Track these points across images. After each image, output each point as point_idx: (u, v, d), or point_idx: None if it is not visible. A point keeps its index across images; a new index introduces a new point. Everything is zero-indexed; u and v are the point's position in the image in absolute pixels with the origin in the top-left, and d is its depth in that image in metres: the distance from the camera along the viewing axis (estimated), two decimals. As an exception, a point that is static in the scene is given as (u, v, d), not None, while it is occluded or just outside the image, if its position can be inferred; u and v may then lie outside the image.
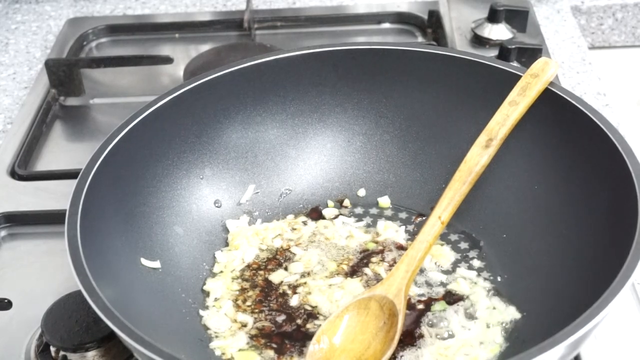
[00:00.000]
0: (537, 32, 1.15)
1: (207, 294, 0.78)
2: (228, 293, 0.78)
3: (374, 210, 0.87)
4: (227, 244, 0.83)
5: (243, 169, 0.87)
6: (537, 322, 0.71)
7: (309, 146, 0.89)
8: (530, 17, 1.15)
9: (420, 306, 0.75)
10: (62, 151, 1.06)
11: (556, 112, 0.77)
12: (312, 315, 0.75)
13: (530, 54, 1.05)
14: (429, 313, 0.74)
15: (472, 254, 0.81)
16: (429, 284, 0.77)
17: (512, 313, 0.73)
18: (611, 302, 0.58)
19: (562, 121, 0.77)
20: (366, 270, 0.79)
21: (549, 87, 0.78)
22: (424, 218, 0.84)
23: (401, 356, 0.70)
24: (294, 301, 0.77)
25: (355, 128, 0.89)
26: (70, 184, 0.70)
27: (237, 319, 0.75)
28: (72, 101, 1.14)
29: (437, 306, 0.75)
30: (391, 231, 0.84)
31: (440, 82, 0.85)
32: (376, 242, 0.82)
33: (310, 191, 0.88)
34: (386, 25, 1.28)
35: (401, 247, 0.81)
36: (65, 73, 1.12)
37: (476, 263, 0.80)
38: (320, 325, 0.73)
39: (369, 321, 0.71)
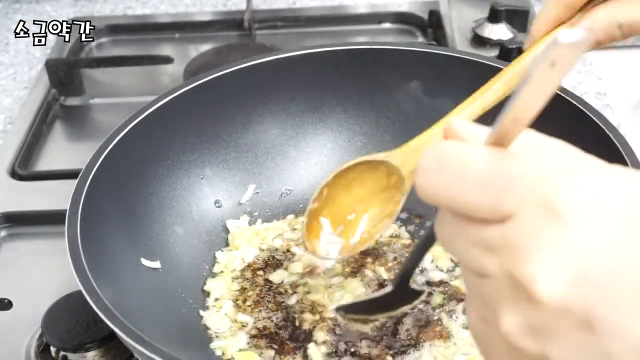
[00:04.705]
0: (538, 32, 1.14)
1: (207, 294, 0.78)
2: (228, 293, 0.78)
3: (374, 210, 0.87)
4: (227, 244, 0.83)
5: (243, 169, 0.86)
6: (537, 322, 0.71)
7: (309, 146, 0.89)
8: (530, 17, 1.15)
9: (421, 306, 0.75)
10: (62, 151, 1.06)
11: (556, 112, 0.77)
12: (312, 314, 0.75)
13: (530, 54, 1.05)
14: (429, 312, 0.74)
15: (472, 254, 0.80)
16: (429, 284, 0.77)
17: (512, 313, 0.73)
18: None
19: (562, 121, 0.77)
20: (366, 270, 0.79)
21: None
22: (423, 219, 0.84)
23: (401, 356, 0.70)
24: (293, 301, 0.77)
25: (356, 128, 0.89)
26: (71, 184, 0.70)
27: (237, 319, 0.75)
28: (72, 101, 1.14)
29: (436, 299, 0.75)
30: (391, 231, 0.84)
31: (440, 82, 0.85)
32: (376, 243, 0.82)
33: (310, 191, 0.88)
34: (387, 25, 1.28)
35: (402, 248, 0.81)
36: (65, 73, 1.12)
37: (477, 263, 0.79)
38: (320, 326, 0.73)
39: (369, 178, 0.70)
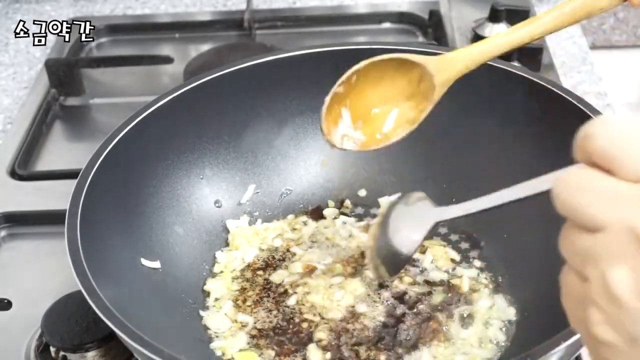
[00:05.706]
0: (538, 32, 1.14)
1: (207, 294, 0.78)
2: (228, 293, 0.78)
3: (374, 211, 0.87)
4: (227, 244, 0.83)
5: (243, 169, 0.86)
6: (537, 322, 0.71)
7: (309, 146, 0.88)
8: (531, 17, 1.15)
9: (421, 306, 0.75)
10: (62, 151, 1.06)
11: (557, 112, 0.77)
12: (312, 315, 0.75)
13: (531, 54, 1.06)
14: (428, 312, 0.74)
15: (473, 254, 0.81)
16: (429, 284, 0.77)
17: (512, 313, 0.73)
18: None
19: (563, 122, 0.77)
20: (366, 271, 0.79)
21: (550, 87, 0.77)
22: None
23: (401, 356, 0.70)
24: (293, 301, 0.76)
25: (356, 128, 0.89)
26: (70, 184, 0.70)
27: (237, 319, 0.75)
28: (72, 101, 1.14)
29: (436, 298, 0.75)
30: (392, 231, 0.83)
31: (440, 82, 0.85)
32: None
33: (310, 191, 0.88)
34: (387, 25, 1.28)
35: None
36: (65, 73, 1.12)
37: (477, 263, 0.79)
38: (321, 327, 0.73)
39: (399, 79, 0.69)
